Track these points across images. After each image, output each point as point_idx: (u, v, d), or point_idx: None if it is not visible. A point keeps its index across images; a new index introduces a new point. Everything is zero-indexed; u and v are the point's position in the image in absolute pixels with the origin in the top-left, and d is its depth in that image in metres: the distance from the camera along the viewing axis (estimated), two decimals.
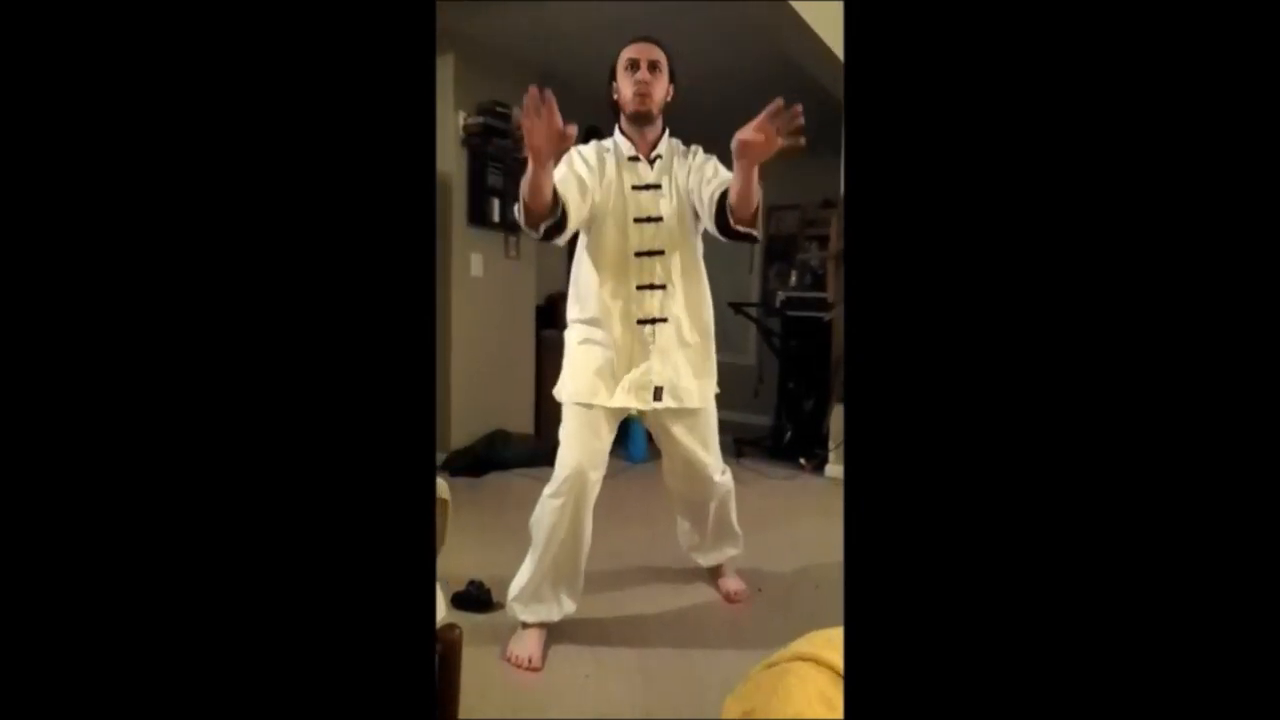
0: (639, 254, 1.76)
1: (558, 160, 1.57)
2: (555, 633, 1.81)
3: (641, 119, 1.76)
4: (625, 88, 1.75)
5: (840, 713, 0.86)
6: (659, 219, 1.76)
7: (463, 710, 1.02)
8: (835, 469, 3.74)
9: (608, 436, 1.79)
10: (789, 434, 4.20)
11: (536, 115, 1.35)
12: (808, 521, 2.96)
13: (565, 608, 1.79)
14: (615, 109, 1.81)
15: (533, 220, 1.57)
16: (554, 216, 1.57)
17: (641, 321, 1.76)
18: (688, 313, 1.81)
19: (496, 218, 3.75)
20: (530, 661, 1.68)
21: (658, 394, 1.77)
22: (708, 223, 1.71)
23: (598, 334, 1.77)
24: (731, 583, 2.14)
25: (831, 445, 3.77)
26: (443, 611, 0.99)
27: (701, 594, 2.14)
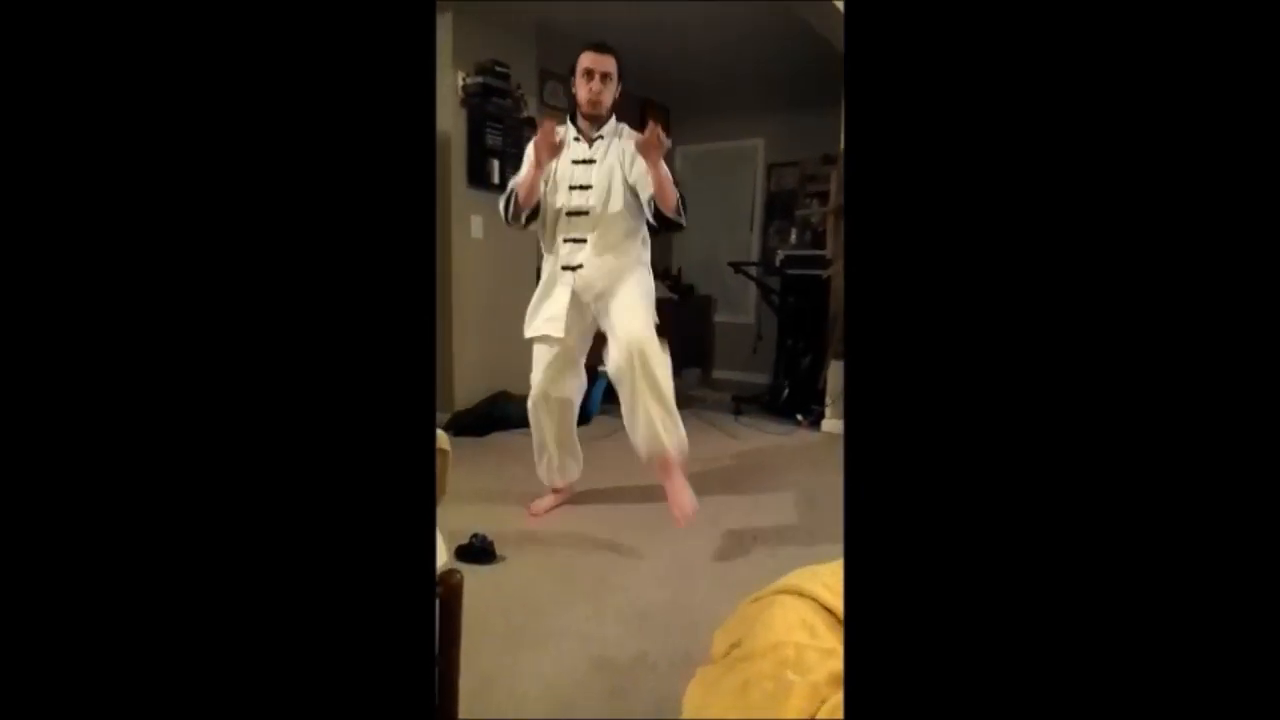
0: (568, 213, 2.24)
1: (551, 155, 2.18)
2: (555, 578, 1.91)
3: (593, 118, 2.23)
4: (581, 93, 2.21)
5: (820, 639, 0.92)
6: (588, 186, 2.22)
7: (465, 654, 1.06)
8: (831, 424, 3.80)
9: (566, 356, 2.32)
10: (786, 391, 4.25)
11: (544, 136, 2.03)
12: (803, 474, 3.02)
13: (570, 475, 2.51)
14: (573, 102, 2.25)
15: (518, 212, 2.22)
16: (531, 208, 2.23)
17: (565, 268, 2.26)
18: (610, 254, 2.23)
19: (496, 179, 3.72)
20: (540, 510, 2.44)
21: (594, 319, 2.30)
22: (649, 216, 2.20)
23: (547, 274, 2.31)
24: (683, 496, 2.13)
25: (828, 401, 3.82)
26: (445, 559, 1.03)
27: (697, 541, 2.21)
